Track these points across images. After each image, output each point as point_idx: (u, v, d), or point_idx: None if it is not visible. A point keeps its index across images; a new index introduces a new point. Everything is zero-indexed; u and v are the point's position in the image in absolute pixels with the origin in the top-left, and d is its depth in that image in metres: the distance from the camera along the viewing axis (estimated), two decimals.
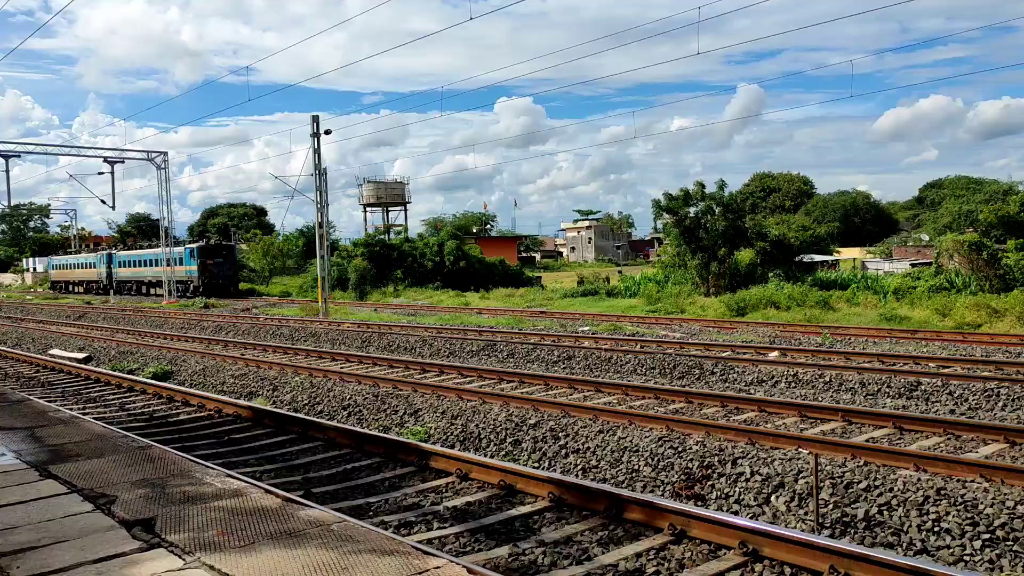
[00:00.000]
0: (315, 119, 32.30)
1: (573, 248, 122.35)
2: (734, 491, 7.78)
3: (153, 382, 14.25)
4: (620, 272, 57.78)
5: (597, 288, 37.17)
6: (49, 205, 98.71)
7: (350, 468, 8.11)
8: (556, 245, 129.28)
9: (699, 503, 7.77)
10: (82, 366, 18.02)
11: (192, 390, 13.31)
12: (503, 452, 9.96)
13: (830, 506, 6.84)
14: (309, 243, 64.47)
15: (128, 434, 6.66)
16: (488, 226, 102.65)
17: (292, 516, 4.43)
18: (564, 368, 16.26)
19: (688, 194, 33.86)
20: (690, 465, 8.37)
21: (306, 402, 13.63)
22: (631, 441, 9.27)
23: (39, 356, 19.99)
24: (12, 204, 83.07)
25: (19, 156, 41.43)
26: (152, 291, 56.54)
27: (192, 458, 5.75)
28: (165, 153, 46.55)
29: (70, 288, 69.63)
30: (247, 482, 5.13)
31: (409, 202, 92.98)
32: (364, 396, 13.21)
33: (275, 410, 10.95)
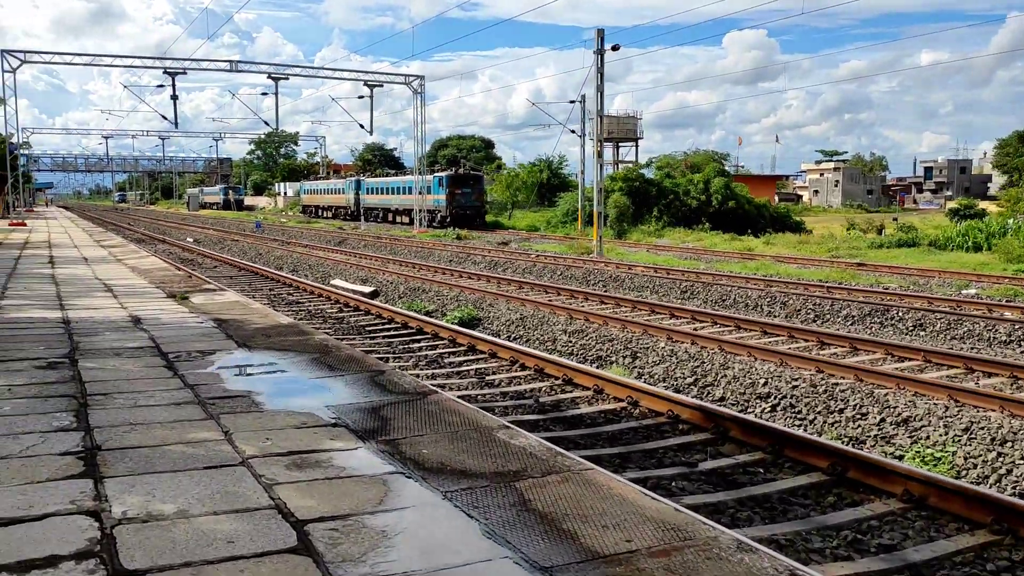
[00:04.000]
0: (600, 33, 28.30)
1: (816, 191, 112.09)
2: None
3: (498, 341, 11.09)
4: (895, 220, 50.01)
5: (915, 239, 30.90)
6: (298, 133, 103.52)
7: None
8: (795, 188, 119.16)
9: None
10: (371, 302, 15.67)
11: (577, 364, 9.83)
12: None
13: None
14: (550, 176, 61.61)
15: (745, 539, 3.04)
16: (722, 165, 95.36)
17: None
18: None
19: None
20: None
21: (690, 381, 9.96)
22: None
23: (324, 287, 17.95)
24: (268, 132, 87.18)
25: (287, 78, 41.33)
26: (397, 219, 56.11)
27: None
28: (422, 77, 44.80)
29: (319, 213, 71.55)
30: None
31: (641, 137, 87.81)
32: (786, 381, 9.27)
33: (749, 418, 7.17)
